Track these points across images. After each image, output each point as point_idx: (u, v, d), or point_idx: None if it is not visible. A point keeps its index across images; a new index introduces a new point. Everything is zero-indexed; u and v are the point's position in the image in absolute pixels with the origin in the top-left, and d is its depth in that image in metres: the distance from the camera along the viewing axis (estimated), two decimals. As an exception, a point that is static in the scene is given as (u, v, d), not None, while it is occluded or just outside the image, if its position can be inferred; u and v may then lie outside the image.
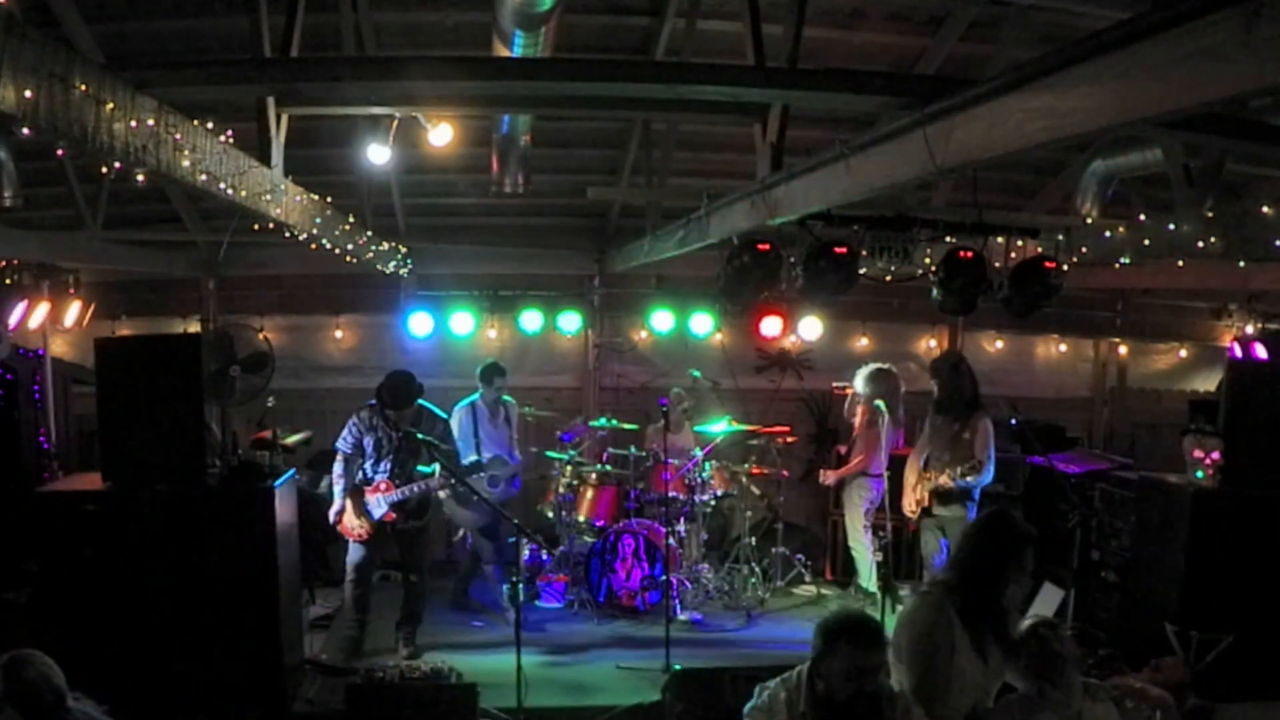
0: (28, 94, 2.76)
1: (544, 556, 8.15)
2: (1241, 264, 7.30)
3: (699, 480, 8.18)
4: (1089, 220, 7.67)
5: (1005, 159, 3.67)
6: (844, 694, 3.46)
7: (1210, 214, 6.74)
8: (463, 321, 9.01)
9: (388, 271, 8.86)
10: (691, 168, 8.74)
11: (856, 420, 8.23)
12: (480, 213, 9.73)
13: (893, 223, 5.97)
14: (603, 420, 8.61)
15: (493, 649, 6.71)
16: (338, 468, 6.72)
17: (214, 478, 5.83)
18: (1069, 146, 7.71)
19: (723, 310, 8.76)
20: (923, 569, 7.38)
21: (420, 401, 6.75)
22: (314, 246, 6.55)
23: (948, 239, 6.19)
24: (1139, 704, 4.06)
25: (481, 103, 6.04)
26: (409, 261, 9.29)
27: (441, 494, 7.53)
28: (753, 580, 8.25)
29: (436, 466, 6.58)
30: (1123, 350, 11.21)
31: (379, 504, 6.61)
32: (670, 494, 7.68)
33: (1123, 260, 7.48)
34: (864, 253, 5.96)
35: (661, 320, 9.17)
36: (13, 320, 7.62)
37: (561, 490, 8.34)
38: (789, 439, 8.90)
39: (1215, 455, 6.34)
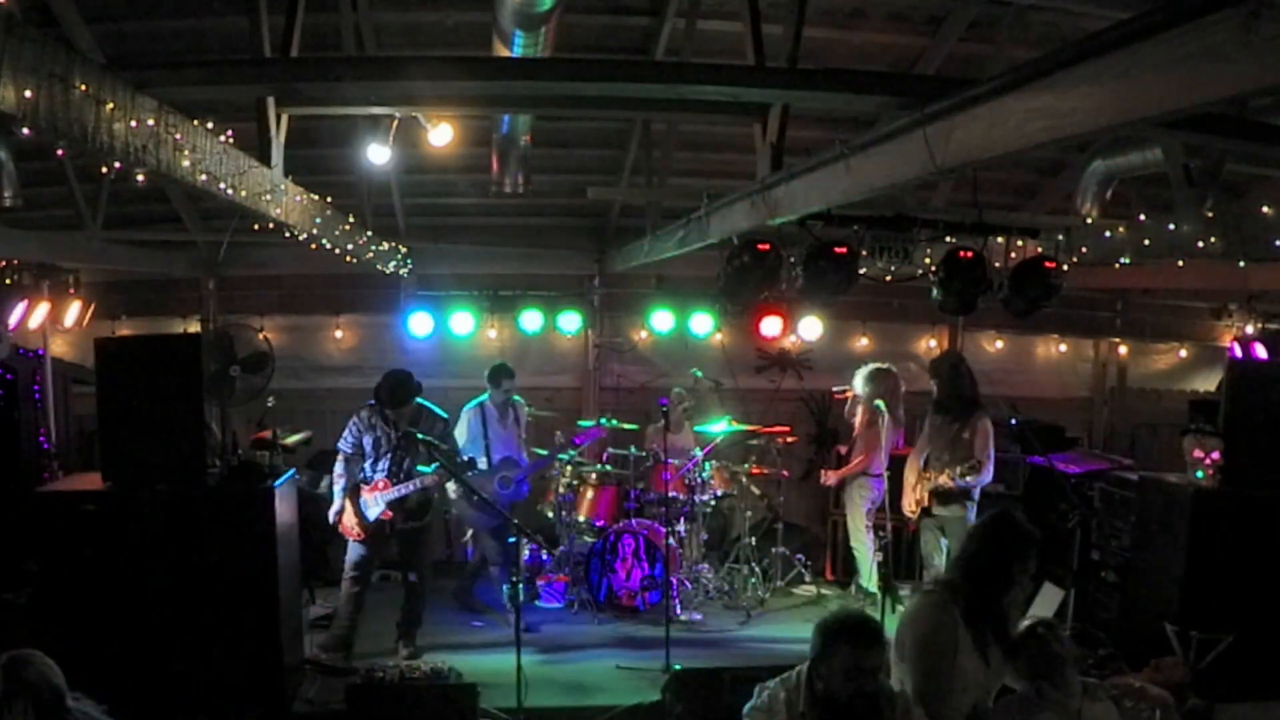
0: (28, 94, 2.76)
1: (544, 556, 8.15)
2: (1241, 264, 7.29)
3: (699, 480, 8.18)
4: (1089, 220, 7.67)
5: (1005, 159, 3.67)
6: (843, 694, 3.45)
7: (1210, 214, 6.75)
8: (463, 321, 9.01)
9: (388, 271, 8.87)
10: (691, 168, 8.74)
11: (857, 420, 8.23)
12: (480, 213, 9.73)
13: (893, 223, 5.97)
14: (602, 420, 8.61)
15: (493, 649, 6.71)
16: (338, 467, 6.73)
17: (214, 478, 5.83)
18: (1069, 146, 7.72)
19: (723, 310, 8.75)
20: (923, 569, 7.38)
21: (420, 401, 6.76)
22: (314, 246, 6.55)
23: (948, 239, 6.19)
24: (1139, 704, 4.06)
25: (481, 103, 6.04)
26: (409, 261, 9.29)
27: (453, 494, 7.55)
28: (753, 580, 8.25)
29: (436, 466, 6.58)
30: (1123, 350, 11.21)
31: (376, 502, 6.61)
32: (670, 494, 7.68)
33: (1123, 260, 7.48)
34: (864, 253, 5.96)
35: (661, 320, 9.17)
36: (13, 320, 7.62)
37: (561, 490, 8.34)
38: (789, 439, 8.90)
39: (1215, 455, 6.34)
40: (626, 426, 8.63)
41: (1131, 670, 5.64)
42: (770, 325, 8.99)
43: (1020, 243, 6.37)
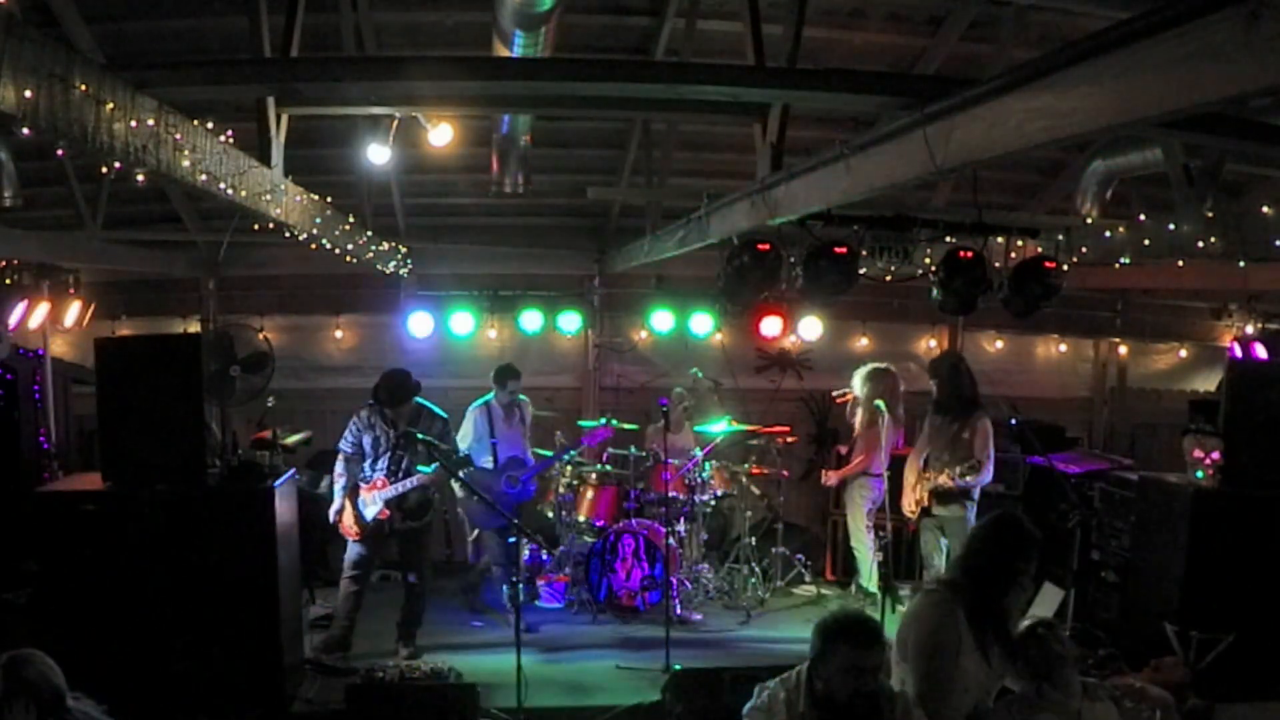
0: (28, 94, 2.76)
1: (544, 556, 8.15)
2: (1241, 264, 7.30)
3: (699, 480, 8.17)
4: (1089, 220, 7.67)
5: (1005, 159, 3.66)
6: (843, 694, 3.46)
7: (1210, 214, 6.75)
8: (463, 321, 9.00)
9: (388, 271, 8.86)
10: (691, 168, 8.74)
11: (857, 421, 8.23)
12: (480, 213, 9.73)
13: (893, 223, 5.98)
14: (602, 420, 8.61)
15: (493, 649, 6.71)
16: (338, 467, 6.75)
17: (214, 478, 5.83)
18: (1069, 146, 7.71)
19: (723, 310, 8.75)
20: (923, 569, 7.38)
21: (419, 400, 6.76)
22: (314, 246, 6.55)
23: (948, 239, 6.19)
24: (1139, 704, 4.07)
25: (481, 103, 6.04)
26: (409, 261, 9.29)
27: (459, 493, 7.56)
28: (753, 580, 8.25)
29: (436, 466, 6.58)
30: (1123, 350, 11.22)
31: (374, 500, 6.61)
32: (670, 494, 7.68)
33: (1123, 260, 7.48)
34: (864, 253, 5.97)
35: (661, 320, 9.16)
36: (13, 320, 7.62)
37: (561, 490, 8.34)
38: (789, 439, 8.90)
39: (1215, 455, 6.34)
40: (626, 426, 8.63)
41: (1131, 670, 5.64)
42: (770, 325, 8.98)
43: (1020, 243, 6.37)
